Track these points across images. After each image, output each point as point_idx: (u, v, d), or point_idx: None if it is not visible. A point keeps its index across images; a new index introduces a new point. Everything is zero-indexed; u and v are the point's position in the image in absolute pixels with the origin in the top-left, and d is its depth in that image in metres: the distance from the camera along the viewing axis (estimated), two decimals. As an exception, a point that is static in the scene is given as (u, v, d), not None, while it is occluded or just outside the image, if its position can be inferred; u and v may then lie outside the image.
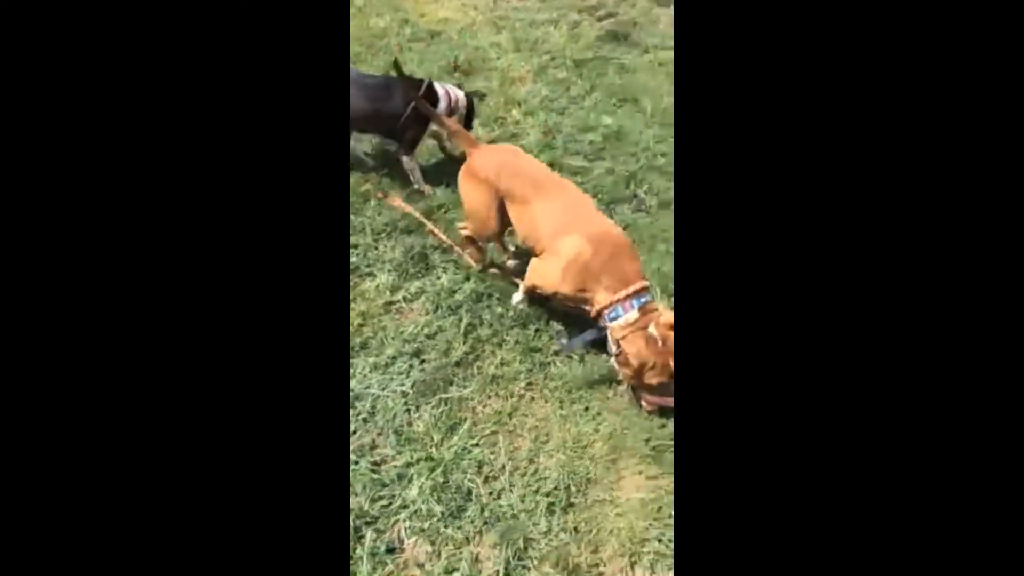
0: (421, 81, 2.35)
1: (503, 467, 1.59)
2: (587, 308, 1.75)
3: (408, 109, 2.27)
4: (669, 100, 3.12)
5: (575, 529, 1.48)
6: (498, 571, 1.39)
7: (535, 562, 1.41)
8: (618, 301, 1.67)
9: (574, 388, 1.79)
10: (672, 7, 3.90)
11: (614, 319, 1.67)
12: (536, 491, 1.55)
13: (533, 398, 1.78)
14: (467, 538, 1.44)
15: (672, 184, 2.59)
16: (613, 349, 1.71)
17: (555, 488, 1.55)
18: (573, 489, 1.55)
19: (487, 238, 2.03)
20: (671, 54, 3.51)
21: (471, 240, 2.07)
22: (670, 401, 1.67)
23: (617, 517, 1.51)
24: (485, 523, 1.47)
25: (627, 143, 2.82)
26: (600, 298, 1.69)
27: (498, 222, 1.90)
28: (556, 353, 1.87)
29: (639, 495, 1.56)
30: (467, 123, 2.42)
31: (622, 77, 3.32)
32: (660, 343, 1.61)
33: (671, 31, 3.74)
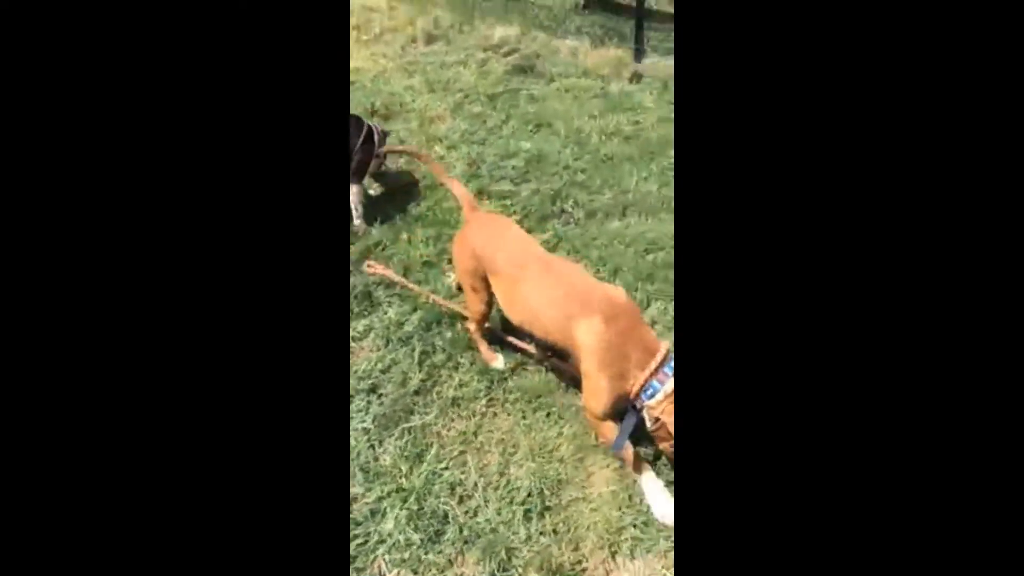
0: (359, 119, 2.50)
1: (475, 484, 1.60)
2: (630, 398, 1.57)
3: (359, 139, 2.41)
4: (580, 122, 3.34)
5: (554, 531, 1.51)
6: (485, 586, 1.39)
7: (520, 570, 1.42)
8: (652, 375, 1.51)
9: (534, 397, 1.84)
10: (568, 39, 4.20)
11: (651, 396, 1.50)
12: (511, 501, 1.57)
13: (496, 413, 1.81)
14: (449, 560, 1.44)
15: (593, 197, 2.76)
16: (650, 425, 1.54)
17: (529, 495, 1.58)
18: (547, 493, 1.59)
19: (482, 315, 1.90)
20: (575, 81, 3.76)
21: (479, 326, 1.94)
22: None
23: (592, 512, 1.55)
24: (465, 542, 1.47)
25: (547, 164, 2.98)
26: (633, 379, 1.52)
27: (486, 299, 1.84)
28: (612, 454, 1.66)
29: (610, 488, 1.61)
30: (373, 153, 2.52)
31: (533, 105, 3.51)
32: None
33: (573, 59, 4.01)
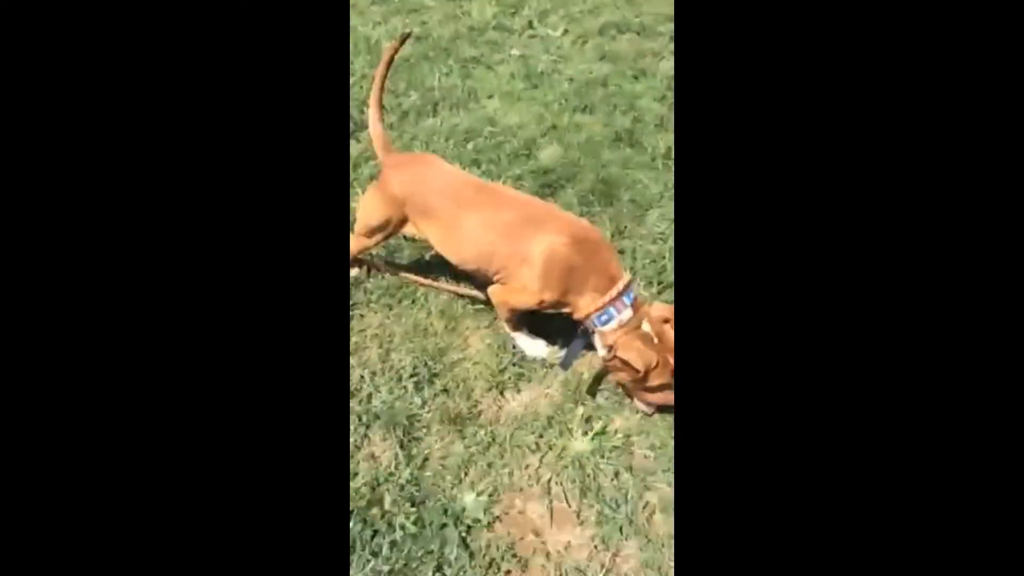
0: None
1: (361, 377, 1.66)
2: (567, 312, 1.58)
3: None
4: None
5: (444, 390, 1.64)
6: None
7: (424, 429, 1.55)
8: (610, 302, 1.49)
9: (395, 290, 1.90)
10: None
11: (606, 322, 1.51)
12: (399, 379, 1.66)
13: (362, 315, 1.84)
14: (356, 446, 1.51)
15: (400, 100, 2.74)
16: (604, 353, 1.55)
17: (415, 370, 1.68)
18: (430, 364, 1.70)
19: (361, 251, 1.82)
20: None
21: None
22: (671, 398, 1.52)
23: (475, 365, 1.70)
24: (367, 426, 1.54)
25: (345, 77, 2.85)
26: (586, 302, 1.52)
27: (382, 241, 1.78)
28: (563, 366, 1.65)
29: (485, 343, 1.77)
30: None
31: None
32: (656, 340, 1.50)
33: None
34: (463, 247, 1.61)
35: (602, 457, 1.50)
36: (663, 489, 1.45)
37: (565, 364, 1.62)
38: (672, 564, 1.32)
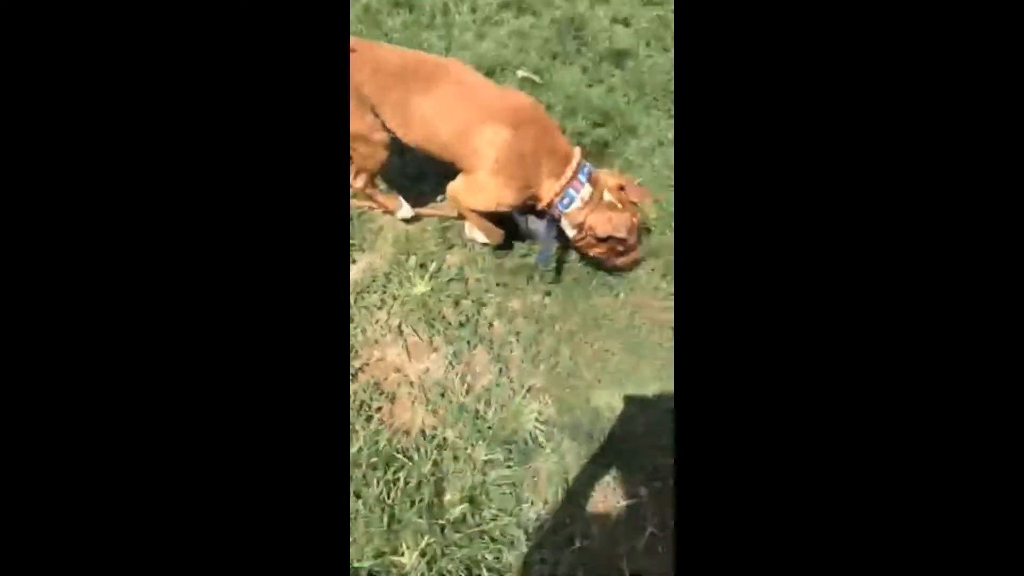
0: None
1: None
2: (533, 203, 1.53)
3: None
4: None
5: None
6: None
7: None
8: (568, 183, 1.46)
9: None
10: None
11: (568, 204, 1.48)
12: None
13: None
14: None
15: None
16: (573, 234, 1.54)
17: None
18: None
19: (377, 169, 1.60)
20: None
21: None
22: (639, 253, 1.62)
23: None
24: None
25: None
26: (545, 189, 1.47)
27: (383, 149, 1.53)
28: (536, 268, 1.65)
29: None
30: None
31: None
32: (620, 205, 1.51)
33: None
34: (410, 129, 1.49)
35: (441, 292, 1.66)
36: (497, 302, 1.66)
37: (542, 259, 1.59)
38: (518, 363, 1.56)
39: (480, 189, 1.47)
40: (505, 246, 1.74)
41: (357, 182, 1.65)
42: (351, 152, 1.55)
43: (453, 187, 1.55)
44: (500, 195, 1.46)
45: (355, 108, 1.45)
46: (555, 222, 1.54)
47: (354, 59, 1.43)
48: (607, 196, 1.52)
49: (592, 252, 1.58)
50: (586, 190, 1.49)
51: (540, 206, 1.53)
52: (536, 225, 1.63)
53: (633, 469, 1.41)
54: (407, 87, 1.44)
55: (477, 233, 1.69)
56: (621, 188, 1.54)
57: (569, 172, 1.47)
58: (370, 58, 1.45)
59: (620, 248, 1.55)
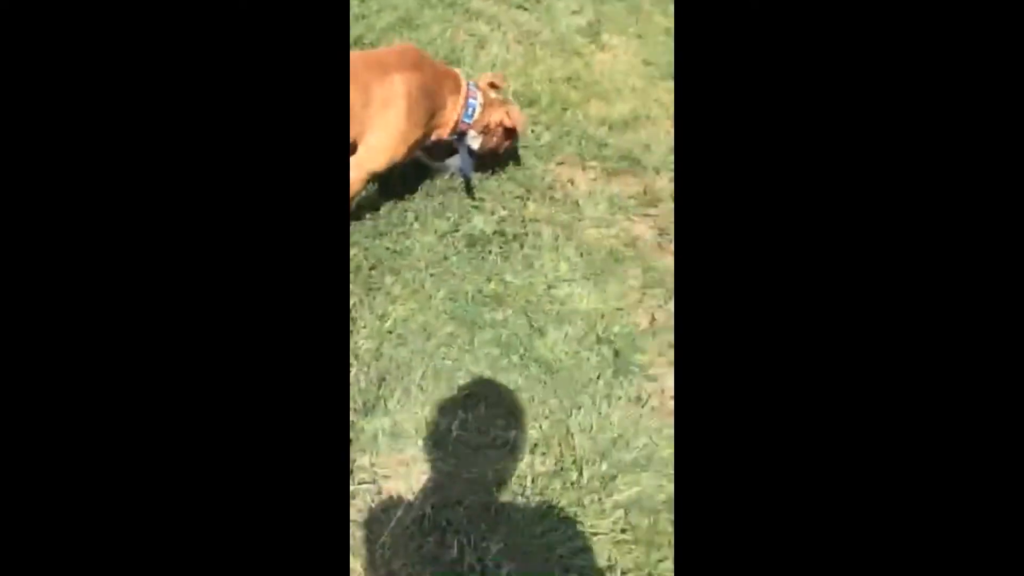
0: None
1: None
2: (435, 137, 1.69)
3: None
4: None
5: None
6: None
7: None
8: (466, 97, 1.66)
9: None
10: None
11: (472, 114, 1.66)
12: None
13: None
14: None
15: None
16: (480, 140, 1.72)
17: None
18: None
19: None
20: None
21: None
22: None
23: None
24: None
25: None
26: (450, 109, 1.64)
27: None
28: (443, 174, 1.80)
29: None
30: None
31: None
32: (495, 94, 1.76)
33: None
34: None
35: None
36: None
37: (464, 170, 1.76)
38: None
39: (390, 138, 1.53)
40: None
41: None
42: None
43: (358, 157, 1.54)
44: (410, 135, 1.55)
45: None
46: (464, 135, 1.71)
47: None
48: (493, 95, 1.75)
49: (494, 143, 1.78)
50: (479, 97, 1.70)
51: (448, 129, 1.68)
52: (446, 161, 1.81)
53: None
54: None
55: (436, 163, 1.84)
56: (492, 85, 1.78)
57: (463, 87, 1.67)
58: None
59: (506, 133, 1.78)
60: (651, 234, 1.86)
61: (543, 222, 1.83)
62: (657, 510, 1.30)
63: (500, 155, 1.88)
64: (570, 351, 1.53)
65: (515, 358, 1.50)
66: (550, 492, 1.29)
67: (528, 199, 1.89)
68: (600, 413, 1.43)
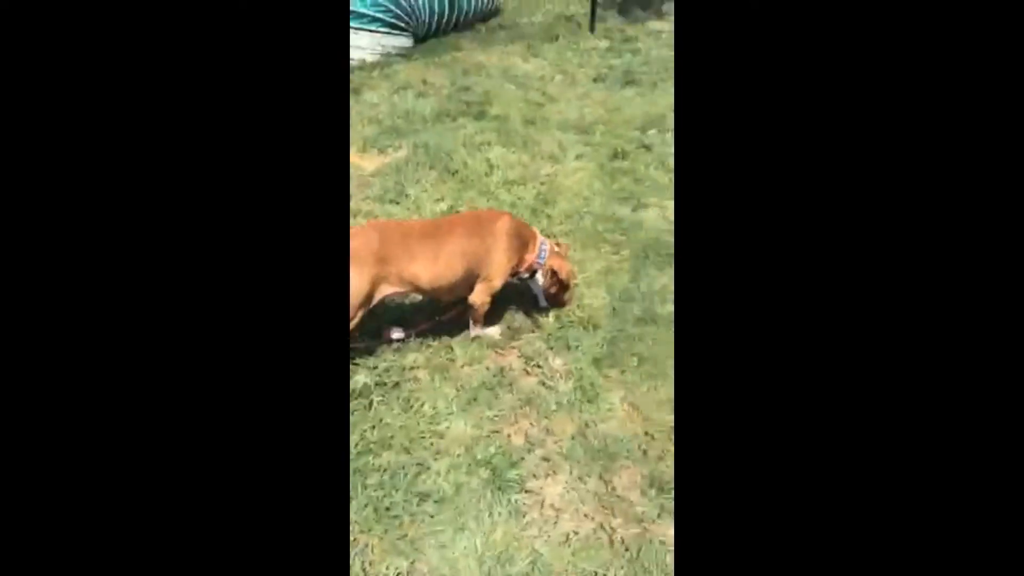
0: None
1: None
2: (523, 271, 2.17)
3: None
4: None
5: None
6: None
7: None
8: (541, 241, 2.16)
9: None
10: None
11: (543, 256, 2.15)
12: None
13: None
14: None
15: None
16: (544, 281, 2.20)
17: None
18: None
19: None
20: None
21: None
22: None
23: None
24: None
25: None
26: (533, 246, 2.14)
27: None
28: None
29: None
30: None
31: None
32: (558, 249, 2.25)
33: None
34: (453, 271, 1.98)
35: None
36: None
37: (540, 302, 2.30)
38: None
39: (495, 269, 2.05)
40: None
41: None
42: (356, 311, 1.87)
43: (477, 294, 2.07)
44: (509, 262, 2.08)
45: (364, 271, 1.84)
46: (535, 274, 2.21)
47: (369, 234, 1.89)
48: (555, 247, 2.24)
49: (553, 291, 2.23)
50: (548, 244, 2.19)
51: (528, 266, 2.17)
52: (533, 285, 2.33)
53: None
54: (437, 241, 1.97)
55: (487, 330, 2.20)
56: (557, 243, 2.28)
57: (538, 234, 2.20)
58: (384, 229, 1.96)
59: (565, 288, 2.24)
60: (518, 363, 2.10)
61: (420, 368, 2.03)
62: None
63: (561, 297, 2.27)
64: (452, 480, 1.64)
65: (398, 495, 1.59)
66: (441, 623, 1.31)
67: (407, 348, 2.11)
68: (484, 534, 1.51)
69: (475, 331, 2.15)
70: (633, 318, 2.24)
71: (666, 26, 5.72)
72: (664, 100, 4.10)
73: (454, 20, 5.16)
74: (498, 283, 2.08)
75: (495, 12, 5.79)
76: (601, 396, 1.93)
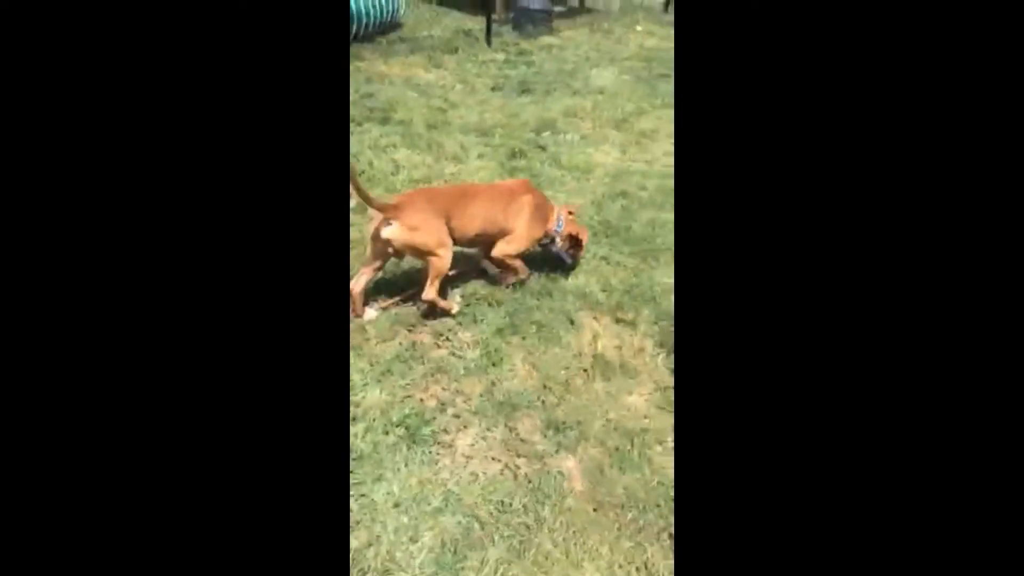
0: None
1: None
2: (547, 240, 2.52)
3: None
4: None
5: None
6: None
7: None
8: (558, 213, 2.51)
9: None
10: None
11: (560, 225, 2.49)
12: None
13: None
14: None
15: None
16: (561, 243, 2.52)
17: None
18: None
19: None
20: None
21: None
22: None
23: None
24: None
25: None
26: (553, 218, 2.49)
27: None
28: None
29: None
30: None
31: None
32: (572, 218, 2.60)
33: None
34: (475, 224, 2.32)
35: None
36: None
37: (565, 262, 2.62)
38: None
39: (520, 237, 2.43)
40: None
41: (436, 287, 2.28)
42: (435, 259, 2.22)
43: (500, 247, 2.42)
44: (531, 235, 2.46)
45: (439, 226, 2.22)
46: (554, 240, 2.58)
47: (419, 202, 2.22)
48: (570, 218, 2.62)
49: (572, 251, 2.61)
50: (564, 214, 2.55)
51: (550, 234, 2.54)
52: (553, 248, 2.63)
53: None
54: (467, 202, 2.33)
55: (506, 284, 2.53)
56: (570, 212, 2.63)
57: (556, 209, 2.56)
58: (427, 195, 2.31)
59: (581, 246, 2.62)
60: (430, 339, 2.27)
61: (335, 348, 2.14)
62: (457, 540, 1.52)
63: (578, 254, 2.63)
64: (369, 440, 1.78)
65: (319, 458, 1.69)
66: (362, 559, 1.45)
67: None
68: (400, 481, 1.66)
69: (507, 280, 2.50)
70: (532, 292, 2.49)
71: (556, 41, 6.18)
72: (556, 106, 4.48)
73: (354, 32, 5.27)
74: (517, 247, 2.44)
75: (395, 25, 5.96)
76: (505, 360, 2.14)
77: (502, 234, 2.40)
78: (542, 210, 2.47)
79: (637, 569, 1.49)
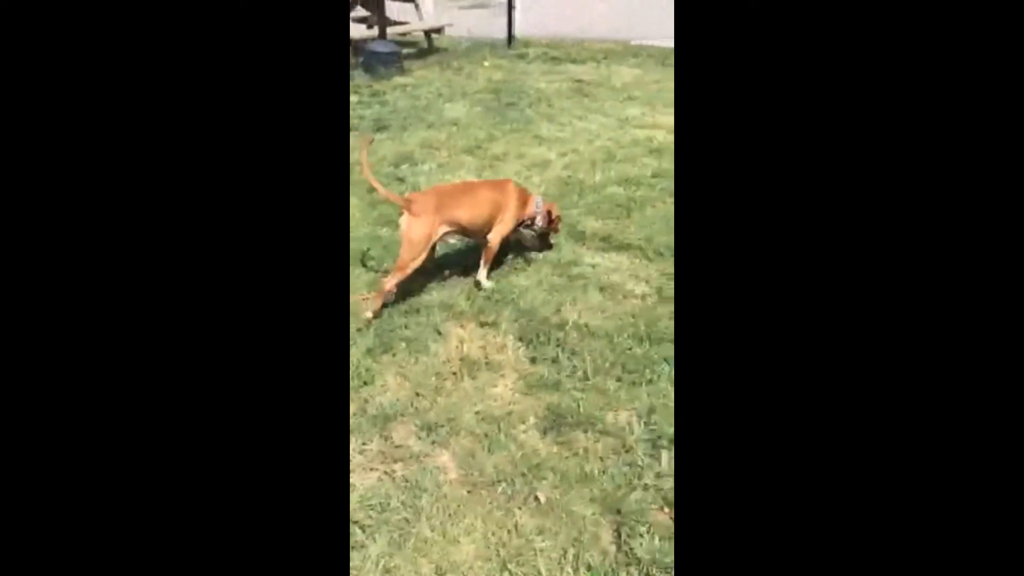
0: None
1: None
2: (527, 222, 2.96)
3: None
4: None
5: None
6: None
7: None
8: (533, 197, 2.96)
9: None
10: None
11: (539, 205, 2.94)
12: None
13: None
14: None
15: None
16: (541, 223, 2.96)
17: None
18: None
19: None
20: None
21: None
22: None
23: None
24: None
25: None
26: (531, 202, 2.94)
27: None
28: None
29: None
30: None
31: None
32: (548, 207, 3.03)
33: None
34: (482, 213, 2.75)
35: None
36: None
37: (531, 243, 3.12)
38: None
39: (509, 219, 2.85)
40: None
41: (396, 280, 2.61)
42: (415, 257, 2.59)
43: (494, 234, 2.83)
44: (517, 216, 2.88)
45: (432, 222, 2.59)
46: (534, 221, 3.00)
47: (431, 197, 2.65)
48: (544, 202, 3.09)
49: (550, 225, 3.03)
50: (540, 199, 3.01)
51: (527, 216, 2.95)
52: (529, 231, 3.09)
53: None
54: (471, 195, 2.79)
55: (486, 283, 2.84)
56: (549, 212, 3.06)
57: (533, 198, 3.00)
58: (439, 191, 2.76)
59: (559, 221, 3.08)
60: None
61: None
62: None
63: (549, 240, 3.11)
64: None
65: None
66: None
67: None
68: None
69: (482, 274, 2.81)
70: (400, 312, 2.61)
71: (409, 80, 6.46)
72: (412, 139, 4.70)
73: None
74: (507, 229, 2.87)
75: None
76: (376, 377, 2.24)
77: (500, 217, 2.92)
78: (522, 196, 3.01)
79: (508, 532, 1.65)
